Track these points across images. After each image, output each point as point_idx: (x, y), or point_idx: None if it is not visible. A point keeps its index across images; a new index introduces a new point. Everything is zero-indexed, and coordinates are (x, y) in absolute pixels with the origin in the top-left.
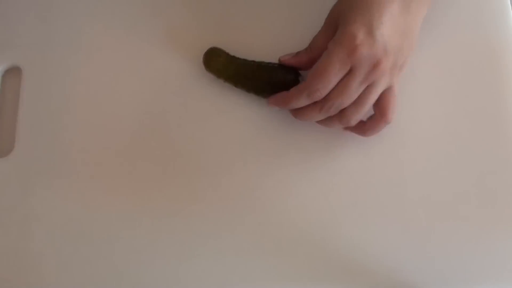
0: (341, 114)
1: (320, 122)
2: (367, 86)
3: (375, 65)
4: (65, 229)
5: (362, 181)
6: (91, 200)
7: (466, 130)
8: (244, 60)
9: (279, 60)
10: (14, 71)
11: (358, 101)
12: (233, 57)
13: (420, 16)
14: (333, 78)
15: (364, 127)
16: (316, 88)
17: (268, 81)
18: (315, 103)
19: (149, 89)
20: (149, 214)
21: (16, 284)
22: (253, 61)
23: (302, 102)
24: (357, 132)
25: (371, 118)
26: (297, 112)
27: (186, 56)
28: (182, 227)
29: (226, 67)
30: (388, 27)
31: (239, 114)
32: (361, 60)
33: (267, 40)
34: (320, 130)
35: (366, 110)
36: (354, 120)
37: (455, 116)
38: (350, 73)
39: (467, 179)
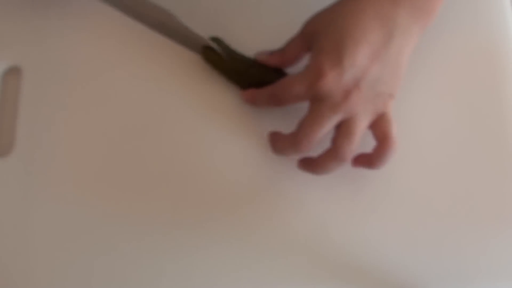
0: (333, 148)
1: (319, 168)
2: (348, 118)
3: (344, 97)
4: (65, 229)
5: (361, 181)
6: (92, 200)
7: (466, 130)
8: (242, 56)
9: (255, 56)
10: (14, 71)
11: (345, 132)
12: (232, 50)
13: (408, 43)
14: (296, 96)
15: (371, 159)
16: (279, 97)
17: (258, 81)
18: (288, 135)
19: (149, 87)
20: (149, 215)
21: (14, 284)
22: (249, 59)
23: (265, 103)
24: (366, 165)
25: (375, 148)
26: (272, 145)
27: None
28: (181, 231)
29: (222, 60)
30: (364, 56)
31: (238, 114)
32: (327, 90)
33: (264, 36)
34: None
35: (357, 141)
36: (348, 153)
37: (455, 116)
38: (318, 101)
39: (467, 179)
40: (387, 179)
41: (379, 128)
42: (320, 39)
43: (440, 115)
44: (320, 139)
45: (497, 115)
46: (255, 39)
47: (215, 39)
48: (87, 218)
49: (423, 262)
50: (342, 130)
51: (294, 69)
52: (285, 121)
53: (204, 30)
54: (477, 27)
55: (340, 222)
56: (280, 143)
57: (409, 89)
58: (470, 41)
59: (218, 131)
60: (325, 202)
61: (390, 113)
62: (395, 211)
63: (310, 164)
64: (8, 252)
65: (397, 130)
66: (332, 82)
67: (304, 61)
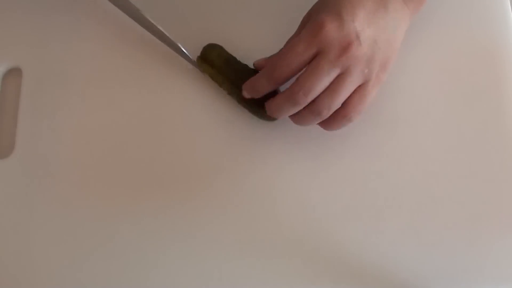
0: (313, 104)
1: (293, 118)
2: (340, 74)
3: (345, 48)
4: (65, 230)
5: (362, 181)
6: (92, 200)
7: (466, 130)
8: (239, 63)
9: (254, 64)
10: (14, 72)
11: (331, 89)
12: (229, 58)
13: (401, 20)
14: (295, 57)
15: (327, 119)
16: (278, 65)
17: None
18: (284, 92)
19: (148, 87)
20: (148, 216)
21: (15, 284)
22: (247, 66)
23: (265, 85)
24: (320, 124)
25: (336, 110)
26: (268, 104)
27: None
28: (180, 229)
29: (218, 69)
30: (361, 17)
31: (236, 113)
32: (328, 40)
33: (263, 41)
34: (319, 131)
35: (339, 101)
36: (327, 111)
37: (455, 116)
38: (318, 54)
39: (467, 179)
40: (388, 179)
41: (352, 98)
42: (319, 9)
43: (440, 114)
44: (317, 92)
45: (498, 115)
46: (253, 45)
47: (212, 45)
48: (87, 218)
49: (423, 262)
50: (330, 87)
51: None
52: (280, 124)
53: (203, 35)
54: (478, 27)
55: (340, 222)
56: (276, 100)
57: (409, 89)
58: (470, 41)
59: (213, 133)
60: (325, 202)
61: (371, 89)
62: (395, 211)
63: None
64: (8, 252)
65: (399, 130)
66: (334, 30)
67: None
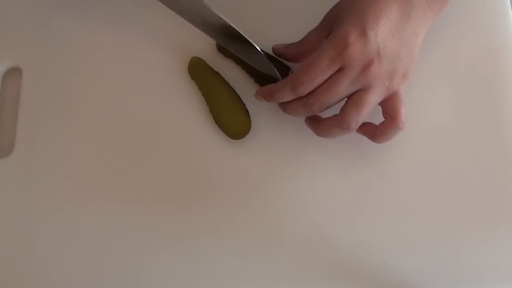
0: (340, 115)
1: (319, 132)
2: (363, 89)
3: (366, 66)
4: (65, 230)
5: (362, 181)
6: (92, 201)
7: (466, 130)
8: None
9: (272, 48)
10: (14, 72)
11: (356, 102)
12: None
13: (423, 26)
14: (320, 73)
15: (375, 131)
16: (301, 81)
17: (259, 72)
18: (300, 98)
19: (149, 89)
20: (148, 215)
21: (15, 284)
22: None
23: (287, 95)
24: (369, 136)
25: (382, 122)
26: (283, 105)
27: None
28: (182, 228)
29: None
30: (384, 30)
31: None
32: (352, 59)
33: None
34: None
35: (365, 113)
36: (354, 123)
37: (455, 116)
38: (339, 71)
39: (467, 180)
40: (387, 180)
41: (390, 105)
42: (343, 15)
43: (440, 114)
44: (332, 105)
45: (498, 115)
46: (273, 37)
47: (197, 60)
48: (87, 218)
49: (423, 262)
50: (354, 99)
51: None
52: (292, 119)
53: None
54: (478, 27)
55: (340, 222)
56: (293, 104)
57: (409, 89)
58: (470, 41)
59: (212, 134)
60: (325, 202)
61: (402, 93)
62: (395, 211)
63: (315, 123)
64: (8, 252)
65: (401, 131)
66: (358, 49)
67: None
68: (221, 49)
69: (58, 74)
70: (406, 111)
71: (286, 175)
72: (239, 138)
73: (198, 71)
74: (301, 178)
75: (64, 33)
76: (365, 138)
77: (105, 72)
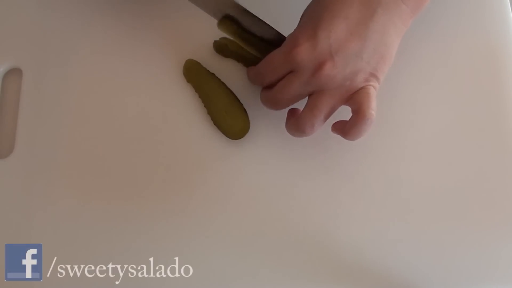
0: (297, 121)
1: (288, 129)
2: (317, 91)
3: (317, 69)
4: (65, 229)
5: (362, 181)
6: (92, 201)
7: (466, 130)
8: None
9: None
10: (14, 73)
11: (310, 106)
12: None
13: (396, 22)
14: (272, 71)
15: (344, 127)
16: (258, 71)
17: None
18: (265, 90)
19: (149, 89)
20: (148, 214)
21: (15, 285)
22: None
23: (252, 79)
24: (340, 133)
25: (350, 117)
26: (261, 93)
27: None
28: (181, 227)
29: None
30: (339, 30)
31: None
32: (299, 61)
33: None
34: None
35: (322, 116)
36: (309, 127)
37: (455, 116)
38: (291, 73)
39: (467, 179)
40: (388, 180)
41: (355, 100)
42: (301, 20)
43: (440, 113)
44: (294, 103)
45: (498, 115)
46: None
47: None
48: (87, 218)
49: (423, 262)
50: (308, 102)
51: None
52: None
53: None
54: (478, 27)
55: (341, 222)
56: (262, 95)
57: (409, 90)
58: (470, 41)
59: (209, 133)
60: (325, 202)
61: (370, 89)
62: (395, 211)
63: (288, 119)
64: None
65: (400, 132)
66: (305, 51)
67: None
68: (220, 50)
69: (58, 74)
70: (373, 105)
71: (286, 175)
72: (238, 138)
73: (194, 73)
74: (301, 178)
75: (64, 34)
76: (370, 143)
77: (106, 71)
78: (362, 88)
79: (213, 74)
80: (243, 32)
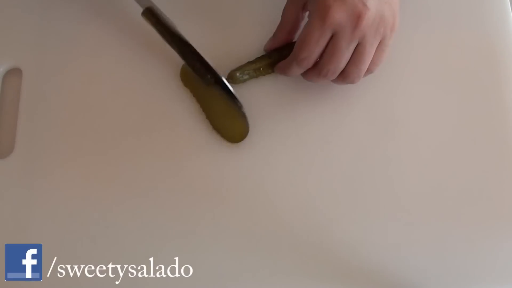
0: (343, 75)
1: (322, 82)
2: (359, 43)
3: (357, 21)
4: (65, 229)
5: (361, 180)
6: (92, 200)
7: (466, 129)
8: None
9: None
10: (14, 73)
11: (356, 61)
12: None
13: None
14: (315, 46)
15: (343, 73)
16: (302, 57)
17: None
18: (314, 68)
19: (149, 89)
20: (147, 214)
21: (15, 285)
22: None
23: (296, 70)
24: (338, 80)
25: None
26: (303, 75)
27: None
28: (181, 230)
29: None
30: None
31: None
32: (338, 21)
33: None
34: (316, 128)
35: (365, 66)
36: (357, 79)
37: (455, 115)
38: (334, 36)
39: (467, 179)
40: (388, 180)
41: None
42: None
43: (439, 113)
44: (343, 66)
45: (498, 114)
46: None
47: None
48: (87, 218)
49: (423, 262)
50: (354, 58)
51: None
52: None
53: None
54: (478, 27)
55: (340, 221)
56: (309, 74)
57: (408, 88)
58: (470, 41)
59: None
60: (325, 202)
61: (388, 40)
62: (395, 211)
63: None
64: None
65: (399, 131)
66: (339, 9)
67: None
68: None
69: (58, 74)
70: (383, 59)
71: (285, 178)
72: (237, 142)
73: (190, 77)
74: (300, 178)
75: (64, 34)
76: (368, 143)
77: (106, 71)
78: (383, 40)
79: None
80: (160, 26)
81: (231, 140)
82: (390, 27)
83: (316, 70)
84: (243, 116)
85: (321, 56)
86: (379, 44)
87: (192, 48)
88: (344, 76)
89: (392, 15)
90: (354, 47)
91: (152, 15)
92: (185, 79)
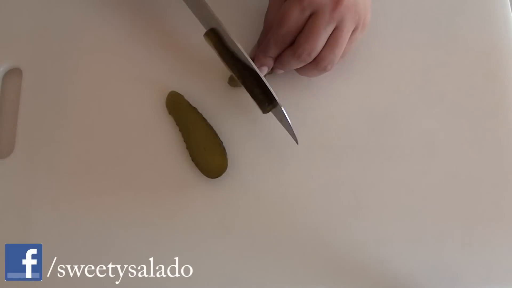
0: (317, 59)
1: (299, 71)
2: (337, 26)
3: (337, 2)
4: (65, 229)
5: (362, 180)
6: (92, 201)
7: (466, 129)
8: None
9: (250, 55)
10: (14, 73)
11: (332, 45)
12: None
13: None
14: (293, 23)
15: (317, 58)
16: (280, 33)
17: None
18: (290, 48)
19: (148, 89)
20: (148, 214)
21: (15, 285)
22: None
23: (274, 49)
24: (305, 71)
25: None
26: (278, 63)
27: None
28: (181, 226)
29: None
30: None
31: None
32: (319, 1)
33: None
34: (316, 128)
35: (340, 52)
36: (331, 65)
37: (455, 115)
38: (313, 15)
39: (468, 179)
40: (387, 180)
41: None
42: None
43: (439, 113)
44: (319, 48)
45: (497, 115)
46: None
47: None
48: (87, 218)
49: (423, 262)
50: (330, 42)
51: None
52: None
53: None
54: (478, 27)
55: (340, 222)
56: (284, 58)
57: (408, 89)
58: (470, 41)
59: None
60: (326, 202)
61: (360, 30)
62: (395, 211)
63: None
64: None
65: (397, 130)
66: None
67: None
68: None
69: (58, 74)
70: (352, 48)
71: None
72: (215, 177)
73: (175, 106)
74: (300, 178)
75: (64, 34)
76: (365, 140)
77: (106, 71)
78: (356, 29)
79: (195, 108)
80: (222, 48)
81: (209, 174)
82: (363, 18)
83: (291, 49)
84: (222, 151)
85: (299, 35)
86: (351, 33)
87: (253, 71)
88: (318, 60)
89: (364, 8)
90: (331, 30)
91: (215, 35)
92: (170, 107)
